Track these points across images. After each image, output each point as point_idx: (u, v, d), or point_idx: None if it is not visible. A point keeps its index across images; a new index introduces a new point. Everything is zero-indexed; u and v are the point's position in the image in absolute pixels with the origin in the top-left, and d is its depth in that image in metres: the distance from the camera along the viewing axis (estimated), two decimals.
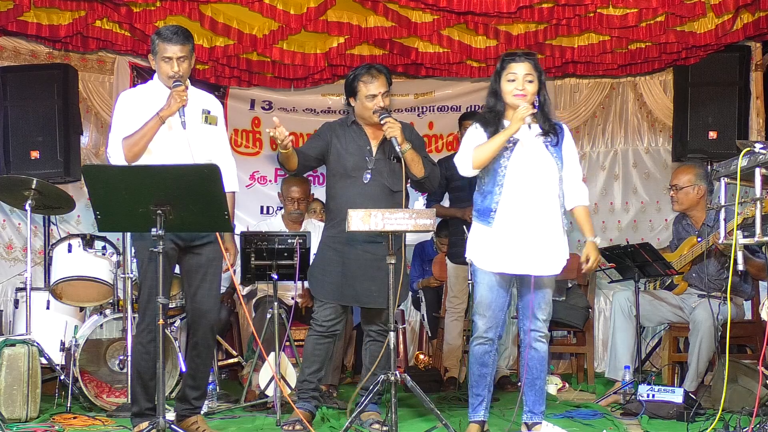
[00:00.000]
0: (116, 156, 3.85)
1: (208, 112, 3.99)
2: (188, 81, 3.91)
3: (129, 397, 4.48)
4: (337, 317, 4.13)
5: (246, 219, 6.64)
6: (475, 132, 3.79)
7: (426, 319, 6.06)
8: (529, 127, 3.69)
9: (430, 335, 6.11)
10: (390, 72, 4.25)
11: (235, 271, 4.51)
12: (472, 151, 3.71)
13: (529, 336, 3.78)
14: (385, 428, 3.95)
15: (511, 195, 3.69)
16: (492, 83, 3.83)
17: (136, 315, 4.54)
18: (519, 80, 3.70)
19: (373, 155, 4.12)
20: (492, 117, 3.78)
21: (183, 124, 3.77)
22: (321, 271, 4.17)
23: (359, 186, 4.08)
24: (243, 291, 5.87)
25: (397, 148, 3.93)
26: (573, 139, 3.85)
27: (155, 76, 3.97)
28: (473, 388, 3.82)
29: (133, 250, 4.69)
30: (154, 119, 3.78)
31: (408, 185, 4.21)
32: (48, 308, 5.06)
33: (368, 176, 4.07)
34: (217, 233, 3.84)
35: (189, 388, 4.01)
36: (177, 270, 4.04)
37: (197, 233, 3.82)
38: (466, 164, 3.74)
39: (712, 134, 6.08)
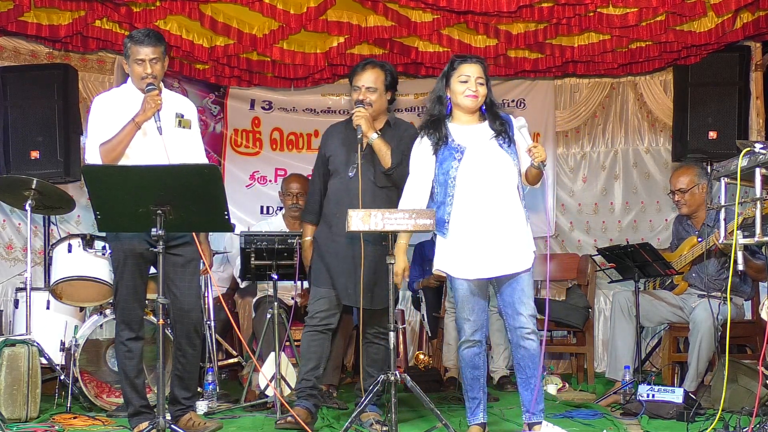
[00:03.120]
0: (94, 162, 3.86)
1: (182, 116, 4.01)
2: (162, 84, 3.94)
3: None
4: (331, 309, 4.10)
5: (246, 219, 6.64)
6: (420, 146, 3.80)
7: (426, 319, 6.05)
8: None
9: (430, 335, 6.11)
10: (391, 69, 4.24)
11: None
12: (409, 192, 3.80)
13: (516, 334, 3.75)
14: (384, 428, 3.94)
15: (464, 203, 3.69)
16: (438, 88, 3.83)
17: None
18: (471, 82, 3.74)
19: (360, 150, 4.04)
20: (434, 123, 3.79)
21: (159, 129, 3.79)
22: (316, 262, 4.20)
23: (344, 182, 4.09)
24: (242, 285, 5.88)
25: (359, 136, 3.97)
26: (524, 127, 3.79)
27: (129, 80, 4.01)
28: (468, 392, 3.81)
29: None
30: (129, 125, 3.80)
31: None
32: (48, 308, 5.06)
33: (353, 171, 4.06)
34: (194, 234, 3.86)
35: (178, 389, 4.03)
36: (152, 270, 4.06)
37: (173, 234, 3.80)
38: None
39: (712, 134, 6.08)
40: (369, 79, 4.11)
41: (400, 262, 3.75)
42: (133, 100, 3.90)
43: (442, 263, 3.78)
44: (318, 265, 4.17)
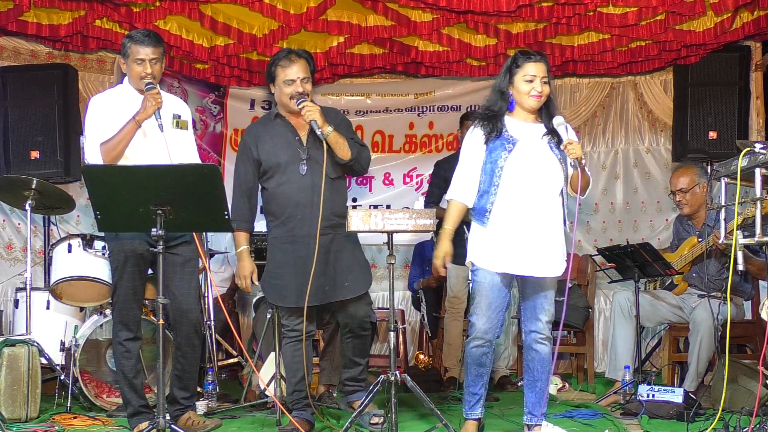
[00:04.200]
0: (94, 161, 3.87)
1: (179, 117, 4.03)
2: (158, 85, 3.96)
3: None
4: (307, 319, 3.97)
5: None
6: (472, 135, 3.75)
7: (426, 319, 6.06)
8: None
9: (430, 335, 6.11)
10: (312, 58, 4.10)
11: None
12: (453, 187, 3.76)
13: (530, 337, 3.76)
14: (382, 421, 3.94)
15: (508, 195, 3.64)
16: (501, 82, 3.75)
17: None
18: (537, 81, 3.67)
19: (305, 145, 3.96)
20: (492, 116, 3.73)
21: (160, 127, 3.81)
22: (273, 276, 3.99)
23: (297, 180, 3.93)
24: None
25: (318, 132, 3.84)
26: (561, 125, 3.73)
27: (125, 80, 4.02)
28: (470, 387, 3.79)
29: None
30: (130, 123, 3.81)
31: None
32: (48, 308, 5.06)
33: (304, 167, 3.93)
34: (194, 234, 3.88)
35: (177, 389, 4.04)
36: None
37: (172, 234, 3.80)
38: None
39: (712, 134, 6.08)
40: (301, 69, 3.93)
41: (445, 246, 3.71)
42: (130, 99, 3.92)
43: (474, 252, 3.73)
44: (281, 281, 3.94)
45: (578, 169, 3.60)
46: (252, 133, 4.06)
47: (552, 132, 3.73)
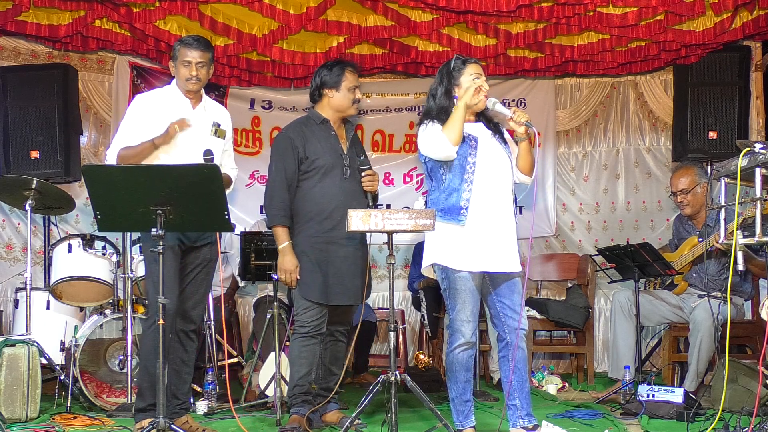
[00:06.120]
0: (111, 161, 3.95)
1: (218, 125, 4.10)
2: (203, 91, 4.06)
3: (129, 395, 4.50)
4: (323, 317, 4.09)
5: (246, 219, 6.64)
6: (435, 126, 3.70)
7: (426, 319, 6.05)
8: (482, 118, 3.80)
9: (430, 335, 6.11)
10: None
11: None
12: (441, 132, 3.62)
13: (515, 335, 3.72)
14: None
15: (481, 192, 3.65)
16: (445, 84, 3.77)
17: (137, 315, 4.63)
18: (482, 79, 3.74)
19: (346, 153, 4.16)
20: (445, 117, 3.71)
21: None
22: (308, 272, 4.07)
23: (340, 182, 4.10)
24: (241, 284, 5.86)
25: (369, 203, 4.12)
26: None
27: (173, 81, 4.08)
28: (462, 396, 3.73)
29: (133, 249, 4.73)
30: (148, 144, 3.88)
31: None
32: (48, 308, 5.07)
33: (348, 171, 4.11)
34: (217, 234, 3.90)
35: (181, 384, 4.05)
36: None
37: (199, 234, 3.86)
38: (442, 143, 3.59)
39: (712, 134, 6.08)
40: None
41: None
42: (174, 101, 4.00)
43: (449, 256, 3.66)
44: (314, 277, 4.05)
45: (530, 138, 3.66)
46: (297, 131, 4.16)
47: (497, 131, 3.78)
